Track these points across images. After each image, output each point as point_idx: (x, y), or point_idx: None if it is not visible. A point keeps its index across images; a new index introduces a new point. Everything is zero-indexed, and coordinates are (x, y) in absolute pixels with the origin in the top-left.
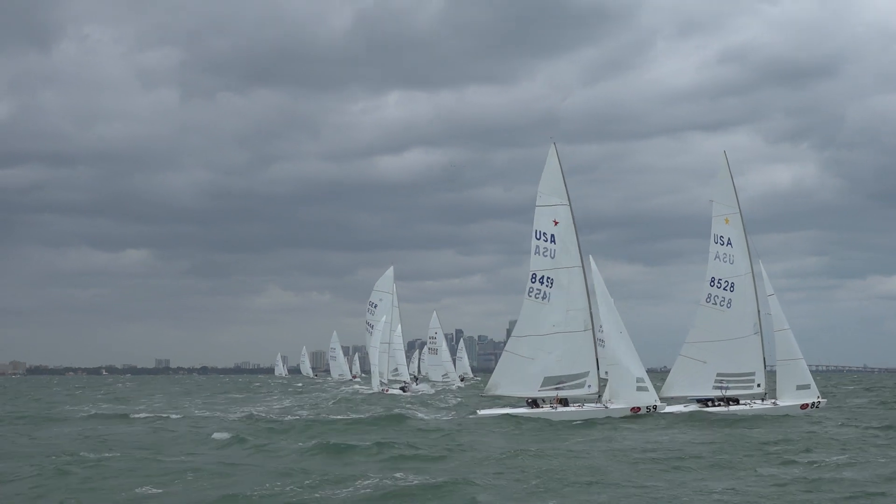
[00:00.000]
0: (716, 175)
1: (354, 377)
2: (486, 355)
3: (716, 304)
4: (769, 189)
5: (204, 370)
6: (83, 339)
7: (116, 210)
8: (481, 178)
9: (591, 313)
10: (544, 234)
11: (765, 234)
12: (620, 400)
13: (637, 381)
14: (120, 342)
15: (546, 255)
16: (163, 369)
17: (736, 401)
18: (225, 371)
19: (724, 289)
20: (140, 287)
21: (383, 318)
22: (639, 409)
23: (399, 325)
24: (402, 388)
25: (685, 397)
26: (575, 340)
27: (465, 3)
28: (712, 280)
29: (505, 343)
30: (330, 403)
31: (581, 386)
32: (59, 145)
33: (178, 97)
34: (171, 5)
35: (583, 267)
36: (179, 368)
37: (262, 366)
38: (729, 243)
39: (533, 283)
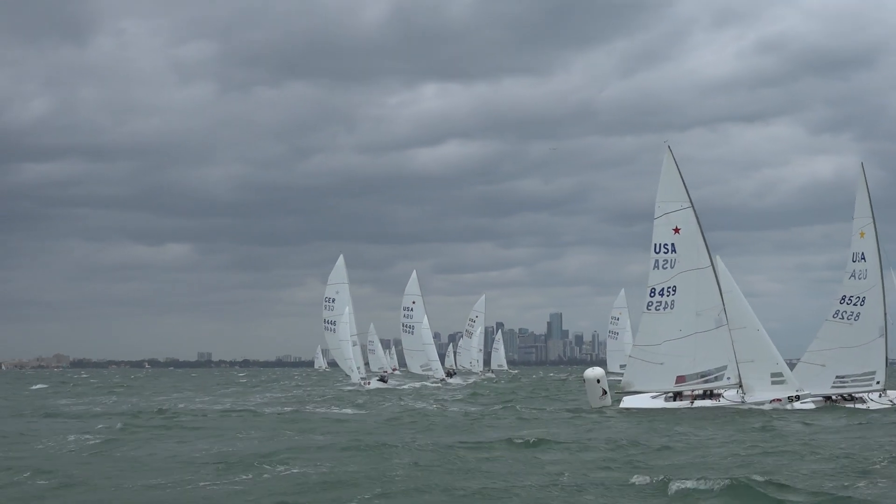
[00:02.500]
0: (854, 189)
1: (394, 370)
2: (526, 348)
3: (843, 318)
4: (810, 180)
5: (245, 363)
6: (125, 332)
7: (155, 204)
8: (518, 170)
9: (724, 310)
10: (664, 245)
11: (807, 226)
12: (757, 393)
13: (773, 377)
14: (162, 336)
15: (666, 268)
16: (205, 363)
17: (851, 396)
18: (266, 364)
19: (854, 304)
20: (181, 281)
21: (346, 310)
22: (780, 399)
23: (425, 317)
24: (382, 379)
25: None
26: (708, 339)
27: None
28: (843, 298)
29: (545, 336)
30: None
31: (720, 378)
32: (97, 139)
33: (213, 91)
34: None
35: (713, 266)
36: (221, 362)
37: (303, 359)
38: (863, 258)
39: (652, 297)
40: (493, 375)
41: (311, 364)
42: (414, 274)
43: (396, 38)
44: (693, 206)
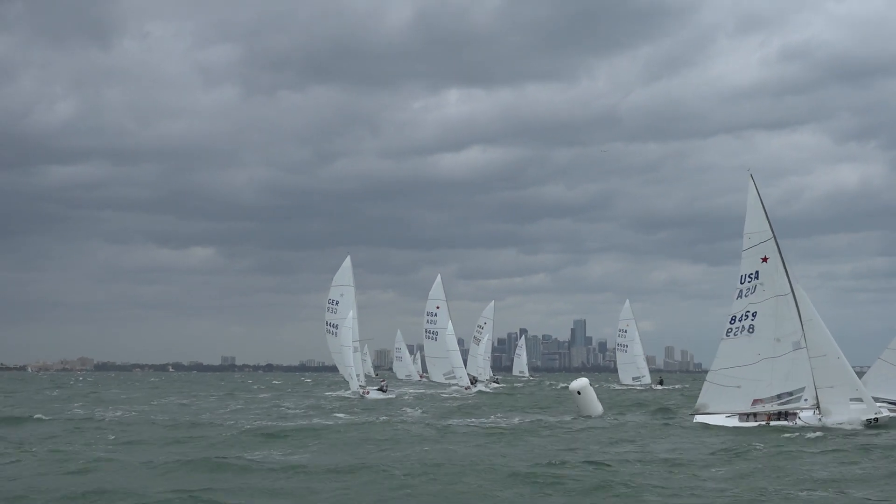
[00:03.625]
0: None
1: (422, 377)
2: (549, 355)
3: None
4: (836, 189)
5: (269, 367)
6: (150, 335)
7: (180, 207)
8: (542, 176)
9: (803, 335)
10: (750, 275)
11: (833, 234)
12: (834, 416)
13: (852, 402)
14: (186, 339)
15: (748, 295)
16: (228, 366)
17: None
18: (290, 369)
19: None
20: (205, 284)
21: (350, 314)
22: None
23: (450, 323)
24: (381, 389)
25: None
26: (785, 362)
27: (525, 0)
28: None
29: (569, 343)
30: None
31: (797, 400)
32: (122, 142)
33: (238, 94)
34: (229, 2)
35: (793, 293)
36: (245, 366)
37: (327, 364)
38: None
39: (732, 323)
40: (499, 384)
41: (334, 369)
42: (438, 278)
43: (420, 43)
44: (774, 234)
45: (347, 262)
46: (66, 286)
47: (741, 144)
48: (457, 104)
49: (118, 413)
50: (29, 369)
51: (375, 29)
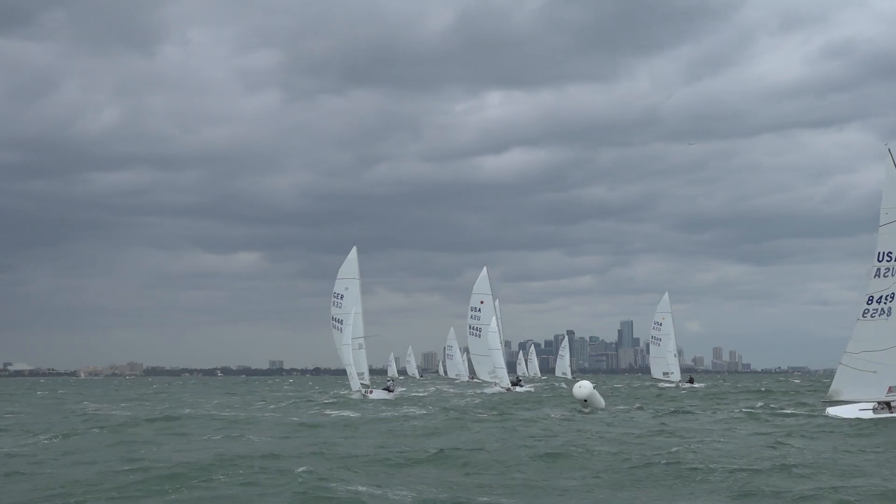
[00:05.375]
0: None
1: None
2: (597, 356)
3: None
4: (882, 187)
5: (317, 371)
6: (198, 340)
7: (224, 212)
8: (585, 177)
9: None
10: (889, 254)
11: (876, 233)
12: None
13: None
14: (234, 344)
15: (888, 275)
16: (276, 370)
17: None
18: (337, 372)
19: None
20: (252, 289)
21: (353, 310)
22: None
23: (493, 319)
24: (387, 388)
25: None
26: None
27: (565, 1)
28: None
29: (616, 344)
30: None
31: None
32: (166, 148)
33: (279, 99)
34: (270, 7)
35: None
36: (293, 369)
37: (374, 367)
38: None
39: (870, 304)
40: (523, 387)
41: (383, 372)
42: (484, 271)
43: (461, 46)
44: None
45: (353, 253)
46: (114, 292)
47: (786, 143)
48: (498, 106)
49: None
50: (81, 374)
51: (416, 32)
